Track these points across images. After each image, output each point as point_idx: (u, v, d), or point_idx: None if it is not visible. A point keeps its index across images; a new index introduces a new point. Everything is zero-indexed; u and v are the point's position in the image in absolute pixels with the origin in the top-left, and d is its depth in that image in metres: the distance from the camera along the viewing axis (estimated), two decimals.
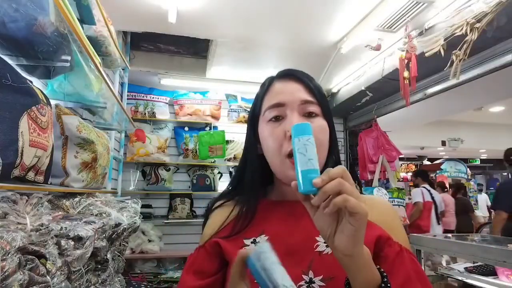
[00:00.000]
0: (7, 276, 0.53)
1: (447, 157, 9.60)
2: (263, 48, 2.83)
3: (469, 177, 9.91)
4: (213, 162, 3.43)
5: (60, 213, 0.97)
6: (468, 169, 9.66)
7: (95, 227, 0.94)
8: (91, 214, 1.11)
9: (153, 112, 3.35)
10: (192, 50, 3.09)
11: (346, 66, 3.09)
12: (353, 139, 3.94)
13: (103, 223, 1.02)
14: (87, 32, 1.36)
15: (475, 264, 2.42)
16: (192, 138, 3.38)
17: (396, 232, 0.66)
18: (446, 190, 5.83)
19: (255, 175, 0.73)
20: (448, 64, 1.94)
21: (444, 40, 1.97)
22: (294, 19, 2.36)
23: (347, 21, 2.35)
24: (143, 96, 3.36)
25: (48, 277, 0.66)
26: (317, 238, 0.64)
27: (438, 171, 9.49)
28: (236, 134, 3.49)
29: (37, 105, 0.85)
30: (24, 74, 0.93)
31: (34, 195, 0.83)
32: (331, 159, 0.71)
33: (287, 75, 0.72)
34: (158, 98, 3.41)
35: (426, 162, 10.13)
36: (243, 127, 3.44)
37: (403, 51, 2.24)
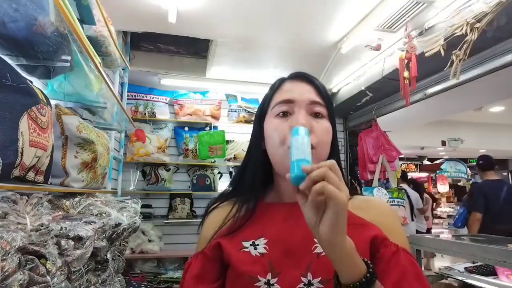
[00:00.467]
0: (7, 276, 0.53)
1: (447, 157, 9.60)
2: (263, 48, 2.83)
3: (469, 177, 9.91)
4: (213, 162, 3.43)
5: (60, 213, 0.97)
6: (468, 169, 9.66)
7: (95, 227, 0.94)
8: (91, 214, 1.11)
9: (153, 112, 3.35)
10: (192, 50, 3.09)
11: (346, 66, 3.09)
12: (353, 139, 3.94)
13: (103, 223, 1.02)
14: (87, 32, 1.36)
15: (475, 264, 2.42)
16: (192, 138, 3.38)
17: (394, 233, 0.66)
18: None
19: (257, 172, 0.74)
20: (448, 64, 1.94)
21: (444, 40, 1.97)
22: (294, 19, 2.36)
23: (347, 21, 2.35)
24: (143, 96, 3.36)
25: (48, 277, 0.66)
26: (315, 240, 0.64)
27: (438, 171, 9.49)
28: (236, 134, 3.49)
29: (37, 105, 0.85)
30: (24, 74, 0.93)
31: (34, 195, 0.83)
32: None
33: (298, 76, 0.74)
34: (158, 98, 3.41)
35: (426, 162, 10.13)
36: (243, 127, 3.48)
37: (403, 51, 2.24)
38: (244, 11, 2.26)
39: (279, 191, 0.75)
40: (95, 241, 0.93)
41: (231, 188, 0.80)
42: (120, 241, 1.33)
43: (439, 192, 9.50)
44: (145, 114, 3.31)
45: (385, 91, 3.03)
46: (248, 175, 0.75)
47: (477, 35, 1.77)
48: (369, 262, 0.54)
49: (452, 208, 9.15)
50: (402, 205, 3.23)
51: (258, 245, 0.66)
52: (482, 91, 3.69)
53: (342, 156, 3.84)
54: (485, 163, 3.69)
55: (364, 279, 0.51)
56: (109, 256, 1.11)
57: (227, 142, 3.38)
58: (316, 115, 0.69)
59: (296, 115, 0.67)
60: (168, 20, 2.24)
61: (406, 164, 9.96)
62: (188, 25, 2.44)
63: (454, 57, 1.89)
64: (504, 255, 1.75)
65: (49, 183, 1.04)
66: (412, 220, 4.43)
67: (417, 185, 5.17)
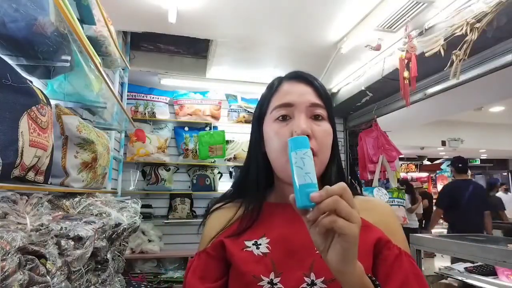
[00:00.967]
0: (7, 276, 0.53)
1: (447, 157, 9.59)
2: (263, 48, 2.83)
3: (469, 177, 9.90)
4: (213, 162, 3.43)
5: (60, 213, 0.97)
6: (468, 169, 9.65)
7: (95, 227, 0.94)
8: (91, 214, 1.11)
9: (153, 112, 3.35)
10: (192, 50, 3.09)
11: (346, 66, 3.09)
12: (353, 139, 3.94)
13: (103, 223, 1.02)
14: (87, 32, 1.36)
15: (475, 264, 2.42)
16: (192, 138, 3.38)
17: (395, 235, 0.66)
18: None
19: (259, 174, 0.73)
20: (448, 64, 1.94)
21: (444, 40, 1.97)
22: (294, 19, 2.36)
23: (347, 21, 2.35)
24: (143, 96, 3.36)
25: (48, 277, 0.66)
26: None
27: (438, 171, 9.49)
28: (236, 134, 3.49)
29: (37, 105, 0.85)
30: (24, 74, 0.93)
31: (34, 195, 0.83)
32: (334, 163, 0.72)
33: (297, 77, 0.72)
34: (158, 98, 3.41)
35: (426, 162, 10.13)
36: (243, 127, 3.48)
37: (403, 51, 2.24)
38: (244, 11, 2.26)
39: (281, 192, 0.74)
40: (95, 241, 0.93)
41: (233, 190, 0.80)
42: (120, 241, 1.33)
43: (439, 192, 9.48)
44: (145, 114, 3.31)
45: (385, 91, 3.03)
46: (250, 178, 0.74)
47: (477, 35, 1.77)
48: (377, 283, 0.54)
49: None
50: (402, 205, 3.23)
51: (260, 244, 0.66)
52: (482, 91, 3.69)
53: (342, 156, 3.84)
54: (464, 166, 3.99)
55: None
56: (109, 256, 1.11)
57: (227, 142, 3.38)
58: (316, 117, 0.68)
59: (297, 120, 0.66)
60: (168, 20, 2.24)
61: (406, 164, 9.96)
62: (188, 25, 2.44)
63: (454, 57, 1.89)
64: (504, 255, 1.75)
65: (49, 183, 1.04)
66: None
67: (408, 185, 5.37)
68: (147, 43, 2.97)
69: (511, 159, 10.63)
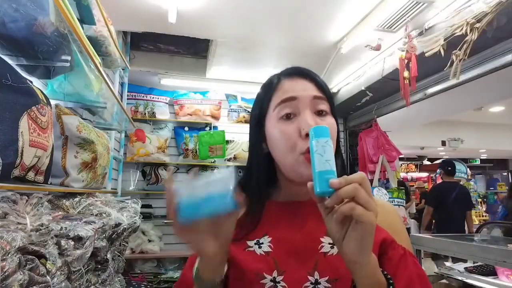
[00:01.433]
0: (7, 276, 0.53)
1: (447, 157, 9.59)
2: (263, 48, 2.83)
3: (469, 177, 9.91)
4: (213, 162, 3.43)
5: (60, 213, 0.97)
6: (468, 169, 9.66)
7: (95, 227, 0.94)
8: (91, 214, 1.11)
9: (153, 112, 3.35)
10: (192, 50, 3.09)
11: (346, 66, 3.09)
12: (353, 139, 3.94)
13: (103, 223, 1.02)
14: (87, 32, 1.36)
15: (475, 264, 2.42)
16: (192, 138, 3.38)
17: (399, 235, 0.66)
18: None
19: (262, 175, 0.71)
20: (448, 64, 1.94)
21: (444, 40, 1.97)
22: (294, 19, 2.36)
23: (347, 21, 2.35)
24: (143, 96, 3.36)
25: (48, 277, 0.66)
26: (322, 239, 0.64)
27: (438, 171, 9.49)
28: (236, 134, 3.49)
29: (37, 105, 0.85)
30: (24, 74, 0.93)
31: (34, 195, 0.83)
32: (339, 156, 0.71)
33: (296, 72, 0.70)
34: (158, 98, 3.41)
35: (426, 162, 10.13)
36: (243, 127, 3.48)
37: (403, 51, 2.24)
38: (244, 11, 2.26)
39: (284, 191, 0.73)
40: (95, 241, 0.93)
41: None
42: (120, 241, 1.33)
43: None
44: (145, 114, 3.31)
45: (385, 91, 3.03)
46: (253, 181, 0.72)
47: (477, 35, 1.77)
48: (389, 276, 0.54)
49: None
50: (402, 205, 3.24)
51: (262, 243, 0.66)
52: (482, 91, 3.69)
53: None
54: (452, 170, 4.35)
55: None
56: (109, 256, 1.11)
57: (227, 142, 3.38)
58: (320, 113, 0.67)
59: (303, 117, 0.64)
60: (168, 20, 2.24)
61: (406, 164, 9.96)
62: (188, 25, 2.44)
63: (454, 57, 1.89)
64: (504, 255, 1.75)
65: (49, 183, 1.04)
66: None
67: (402, 184, 5.45)
68: (147, 43, 2.97)
69: (511, 159, 10.62)
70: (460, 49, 1.85)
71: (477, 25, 1.76)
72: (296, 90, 0.67)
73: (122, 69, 2.67)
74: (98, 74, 1.22)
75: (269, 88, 0.71)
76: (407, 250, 0.63)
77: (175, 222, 0.50)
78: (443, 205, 4.04)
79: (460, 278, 2.27)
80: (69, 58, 1.03)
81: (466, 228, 4.15)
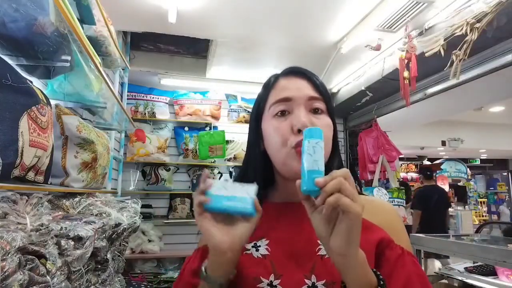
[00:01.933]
0: (7, 276, 0.53)
1: (447, 157, 9.59)
2: (263, 48, 2.83)
3: (469, 177, 9.91)
4: (213, 162, 3.43)
5: (60, 213, 0.97)
6: (468, 169, 9.66)
7: (95, 227, 0.94)
8: (91, 214, 1.11)
9: (153, 112, 3.35)
10: (192, 50, 3.09)
11: (346, 66, 3.09)
12: (353, 139, 3.94)
13: (103, 223, 1.02)
14: (87, 32, 1.36)
15: (475, 264, 2.42)
16: (192, 138, 3.38)
17: (398, 235, 0.66)
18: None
19: (258, 174, 0.71)
20: (448, 64, 1.94)
21: (444, 40, 1.97)
22: (294, 19, 2.36)
23: (347, 21, 2.35)
24: (143, 96, 3.36)
25: (48, 277, 0.66)
26: (319, 242, 0.64)
27: (438, 171, 9.49)
28: (236, 134, 3.49)
29: (37, 105, 0.85)
30: (24, 74, 0.93)
31: (34, 195, 0.83)
32: (336, 155, 0.72)
33: (292, 72, 0.71)
34: (158, 98, 3.41)
35: (426, 162, 10.13)
36: (243, 127, 3.47)
37: (403, 51, 2.24)
38: (244, 11, 2.26)
39: (281, 191, 0.73)
40: (95, 241, 0.93)
41: None
42: (120, 241, 1.33)
43: None
44: (145, 114, 3.31)
45: (385, 91, 3.03)
46: (250, 174, 0.73)
47: (477, 35, 1.77)
48: (379, 273, 0.54)
49: (452, 208, 9.13)
50: (402, 205, 3.24)
51: (259, 246, 0.66)
52: (482, 91, 3.69)
53: (342, 156, 3.84)
54: (431, 174, 4.83)
55: None
56: (109, 256, 1.11)
57: (227, 142, 3.38)
58: (316, 111, 0.67)
59: (297, 114, 0.65)
60: (168, 20, 2.24)
61: (406, 164, 9.96)
62: (188, 25, 2.44)
63: (454, 57, 1.89)
64: (504, 255, 1.75)
65: (49, 183, 1.04)
66: None
67: (403, 184, 5.64)
68: (147, 43, 2.97)
69: (511, 159, 10.62)
70: (460, 49, 1.85)
71: (477, 25, 1.76)
72: (292, 89, 0.68)
73: (122, 69, 2.67)
74: (98, 74, 1.22)
75: (266, 87, 0.73)
76: (406, 250, 0.62)
77: (199, 207, 0.56)
78: (427, 206, 4.37)
79: (460, 278, 2.27)
80: (69, 58, 1.03)
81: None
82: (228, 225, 0.57)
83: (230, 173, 3.53)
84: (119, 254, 1.38)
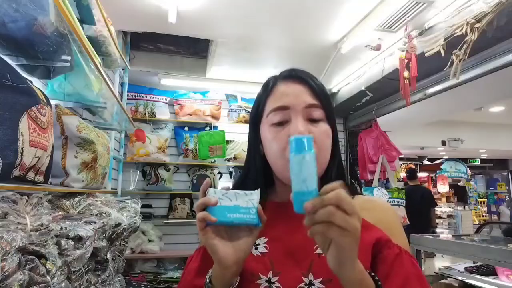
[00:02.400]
0: (7, 276, 0.53)
1: (447, 157, 9.59)
2: (263, 48, 2.83)
3: (469, 177, 9.91)
4: (213, 162, 3.43)
5: (60, 213, 0.97)
6: (468, 169, 9.66)
7: (95, 227, 0.94)
8: (91, 214, 1.11)
9: (153, 112, 3.35)
10: (192, 50, 3.09)
11: (346, 66, 3.09)
12: (353, 139, 3.94)
13: (103, 223, 1.02)
14: (87, 32, 1.36)
15: (475, 264, 2.42)
16: (192, 138, 3.38)
17: (396, 234, 0.66)
18: None
19: (259, 177, 0.72)
20: (448, 64, 1.94)
21: (444, 40, 1.97)
22: (294, 19, 2.36)
23: (347, 21, 2.35)
24: (143, 96, 3.36)
25: (48, 277, 0.66)
26: None
27: (438, 171, 9.49)
28: (236, 134, 3.49)
29: (37, 105, 0.85)
30: (24, 74, 0.93)
31: (34, 195, 0.83)
32: (334, 162, 0.71)
33: (292, 76, 0.70)
34: (158, 98, 3.41)
35: (426, 162, 10.13)
36: (243, 127, 3.47)
37: (403, 51, 2.24)
38: (244, 11, 2.26)
39: (280, 192, 0.74)
40: (95, 241, 0.93)
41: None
42: (120, 241, 1.33)
43: (439, 192, 9.51)
44: (145, 114, 3.31)
45: (385, 91, 3.03)
46: (250, 179, 0.73)
47: (477, 35, 1.77)
48: (377, 278, 0.54)
49: (452, 208, 9.14)
50: (402, 205, 3.24)
51: (258, 244, 0.66)
52: (482, 91, 3.69)
53: (342, 156, 3.83)
54: (414, 174, 5.13)
55: None
56: (109, 256, 1.11)
57: (227, 142, 3.38)
58: (314, 119, 0.67)
59: (294, 123, 0.65)
60: (168, 20, 2.24)
61: (406, 164, 9.96)
62: (188, 25, 2.44)
63: (454, 57, 1.89)
64: (504, 255, 1.75)
65: (49, 183, 1.04)
66: None
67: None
68: (147, 43, 2.97)
69: (511, 159, 10.62)
70: (460, 49, 1.85)
71: (477, 25, 1.76)
72: (289, 96, 0.67)
73: (122, 69, 2.67)
74: (98, 74, 1.22)
75: (265, 90, 0.73)
76: (403, 249, 0.62)
77: (201, 222, 0.54)
78: (412, 205, 4.53)
79: (460, 278, 2.27)
80: (69, 58, 1.03)
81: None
82: (232, 238, 0.56)
83: (230, 173, 3.53)
84: (119, 254, 1.38)
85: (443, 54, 1.97)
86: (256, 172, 0.73)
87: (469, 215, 4.92)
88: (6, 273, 0.53)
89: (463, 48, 1.83)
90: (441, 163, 9.48)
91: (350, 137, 4.01)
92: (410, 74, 2.20)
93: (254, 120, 0.74)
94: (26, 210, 0.75)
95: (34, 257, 0.63)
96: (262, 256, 0.64)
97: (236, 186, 0.79)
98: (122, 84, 2.89)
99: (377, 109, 3.37)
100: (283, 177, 0.68)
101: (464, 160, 9.64)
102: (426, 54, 2.07)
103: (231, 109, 3.57)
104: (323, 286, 0.60)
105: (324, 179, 0.70)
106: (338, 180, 0.70)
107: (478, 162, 10.43)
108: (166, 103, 3.47)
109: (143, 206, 2.46)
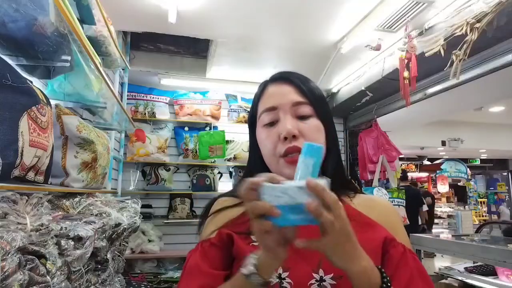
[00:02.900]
0: (7, 276, 0.53)
1: (447, 157, 9.60)
2: (263, 48, 2.83)
3: (469, 177, 9.91)
4: (213, 162, 3.43)
5: (60, 213, 0.97)
6: (468, 169, 9.66)
7: (95, 227, 0.94)
8: (91, 214, 1.11)
9: (153, 112, 3.35)
10: (192, 50, 3.09)
11: (346, 66, 3.09)
12: (353, 139, 3.94)
13: (103, 223, 1.02)
14: (87, 32, 1.36)
15: (475, 264, 2.42)
16: (192, 138, 3.38)
17: (399, 233, 0.67)
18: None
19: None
20: (448, 64, 1.94)
21: (444, 40, 1.97)
22: (294, 19, 2.36)
23: (347, 21, 2.35)
24: (143, 96, 3.36)
25: (48, 277, 0.66)
26: None
27: (438, 171, 9.49)
28: (236, 134, 3.49)
29: (37, 105, 0.85)
30: (24, 74, 0.93)
31: (34, 195, 0.83)
32: (331, 157, 0.72)
33: (279, 78, 0.74)
34: (158, 98, 3.41)
35: (426, 162, 10.13)
36: (243, 127, 3.47)
37: (403, 51, 2.24)
38: (244, 11, 2.26)
39: None
40: (95, 241, 0.93)
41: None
42: (120, 241, 1.33)
43: (439, 192, 9.51)
44: (145, 114, 3.31)
45: (385, 91, 3.03)
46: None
47: (477, 35, 1.77)
48: (385, 274, 0.54)
49: (452, 208, 9.15)
50: (402, 205, 3.24)
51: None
52: (482, 91, 3.69)
53: (342, 156, 3.84)
54: (405, 175, 5.58)
55: None
56: (109, 256, 1.11)
57: (227, 142, 3.38)
58: (302, 116, 0.69)
59: (283, 122, 0.67)
60: (168, 20, 2.24)
61: (406, 164, 9.97)
62: (188, 25, 2.44)
63: (454, 57, 1.89)
64: (504, 255, 1.75)
65: (49, 183, 1.04)
66: None
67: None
68: (147, 43, 2.97)
69: (511, 159, 10.62)
70: (460, 49, 1.85)
71: (477, 25, 1.76)
72: (276, 97, 0.71)
73: (122, 69, 2.67)
74: (98, 74, 1.22)
75: (258, 93, 0.77)
76: (407, 248, 0.64)
77: (259, 223, 0.48)
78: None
79: (460, 278, 2.27)
80: (69, 58, 1.03)
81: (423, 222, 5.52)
82: (291, 237, 0.51)
83: (230, 173, 3.53)
84: (119, 254, 1.38)
85: (443, 54, 1.97)
86: (258, 171, 0.73)
87: (469, 215, 4.92)
88: (6, 273, 0.53)
89: (463, 48, 1.83)
90: (441, 163, 9.49)
91: (350, 137, 4.01)
92: (410, 74, 2.20)
93: (251, 123, 0.77)
94: (26, 210, 0.75)
95: (34, 257, 0.63)
96: None
97: (237, 187, 0.79)
98: (122, 84, 2.89)
99: (377, 109, 3.37)
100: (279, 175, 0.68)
101: (464, 160, 9.64)
102: (426, 54, 2.07)
103: (231, 109, 3.57)
104: (334, 283, 0.60)
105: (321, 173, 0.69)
106: (336, 174, 0.70)
107: (478, 162, 10.43)
108: (166, 103, 3.47)
109: (143, 206, 2.45)
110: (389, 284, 0.53)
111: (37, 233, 0.68)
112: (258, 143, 0.73)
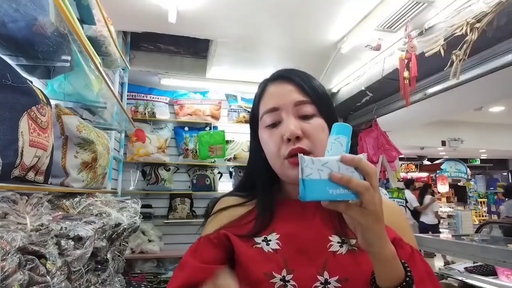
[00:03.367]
0: (7, 276, 0.53)
1: (447, 157, 9.60)
2: (263, 48, 2.83)
3: (469, 177, 9.91)
4: (213, 162, 3.43)
5: (60, 213, 0.97)
6: (468, 169, 9.66)
7: (95, 227, 0.94)
8: (91, 214, 1.11)
9: (153, 112, 3.35)
10: (192, 50, 3.09)
11: (346, 66, 3.09)
12: (353, 139, 3.91)
13: (103, 223, 1.02)
14: (87, 32, 1.36)
15: (475, 264, 2.42)
16: (192, 138, 3.38)
17: (405, 233, 0.66)
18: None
19: (263, 176, 0.73)
20: (448, 64, 1.94)
21: (444, 40, 1.97)
22: (294, 19, 2.36)
23: (347, 21, 2.35)
24: (143, 96, 3.36)
25: (48, 277, 0.66)
26: (330, 238, 0.64)
27: (438, 171, 9.49)
28: (236, 134, 3.49)
29: (37, 105, 0.85)
30: (24, 74, 0.93)
31: (34, 195, 0.83)
32: None
33: (280, 77, 0.72)
34: (158, 98, 3.41)
35: (426, 162, 10.13)
36: (243, 127, 3.48)
37: (403, 51, 2.24)
38: (244, 11, 2.26)
39: (285, 191, 0.74)
40: (95, 241, 0.93)
41: (240, 187, 0.79)
42: (120, 241, 1.33)
43: (439, 192, 9.51)
44: (145, 114, 3.31)
45: (385, 91, 3.03)
46: (258, 177, 0.74)
47: (477, 35, 1.77)
48: (407, 266, 0.55)
49: (452, 208, 9.15)
50: (402, 205, 3.24)
51: (270, 240, 0.65)
52: (482, 91, 3.69)
53: None
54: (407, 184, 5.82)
55: (400, 287, 0.52)
56: (109, 256, 1.11)
57: (227, 142, 3.38)
58: (305, 116, 0.67)
59: (286, 123, 0.66)
60: (168, 20, 2.24)
61: (406, 164, 9.97)
62: (188, 25, 2.44)
63: (454, 57, 1.89)
64: (504, 255, 1.75)
65: (49, 183, 1.04)
66: None
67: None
68: (147, 43, 2.97)
69: (511, 159, 10.62)
70: (460, 49, 1.85)
71: (477, 25, 1.76)
72: (278, 97, 0.69)
73: (122, 69, 2.67)
74: (98, 74, 1.22)
75: (258, 93, 0.75)
76: (414, 248, 0.63)
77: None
78: None
79: (460, 278, 2.27)
80: (69, 58, 1.03)
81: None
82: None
83: (230, 173, 3.53)
84: (119, 254, 1.38)
85: (443, 54, 1.97)
86: (260, 175, 0.74)
87: (469, 215, 4.91)
88: (6, 273, 0.53)
89: (463, 48, 1.83)
90: (441, 163, 9.49)
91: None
92: (410, 74, 2.20)
93: (252, 123, 0.76)
94: (26, 210, 0.75)
95: (34, 257, 0.63)
96: (274, 253, 0.63)
97: (238, 188, 0.79)
98: (122, 84, 2.89)
99: (377, 109, 3.37)
100: (282, 176, 0.68)
101: (464, 160, 9.64)
102: (426, 54, 2.07)
103: (231, 109, 3.57)
104: (340, 285, 0.59)
105: None
106: None
107: (478, 162, 10.43)
108: (166, 103, 3.47)
109: (143, 206, 2.45)
110: (413, 279, 0.53)
111: (37, 233, 0.68)
112: (261, 144, 0.72)
